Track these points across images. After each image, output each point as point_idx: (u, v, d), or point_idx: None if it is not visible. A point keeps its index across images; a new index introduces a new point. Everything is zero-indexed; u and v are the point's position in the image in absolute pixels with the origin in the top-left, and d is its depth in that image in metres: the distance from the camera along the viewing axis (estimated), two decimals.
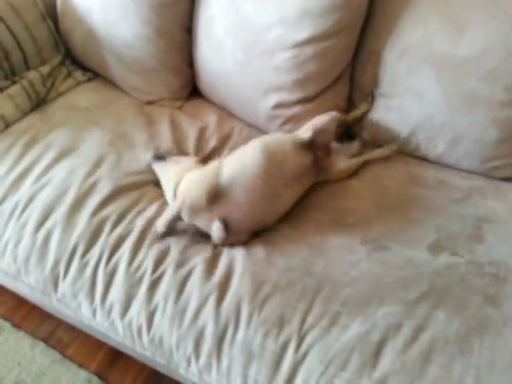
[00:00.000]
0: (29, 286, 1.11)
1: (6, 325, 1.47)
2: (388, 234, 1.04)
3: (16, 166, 1.23)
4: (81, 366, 1.35)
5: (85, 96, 1.54)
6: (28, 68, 1.52)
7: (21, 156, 1.26)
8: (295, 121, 1.34)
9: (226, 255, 1.00)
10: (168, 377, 1.13)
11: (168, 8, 1.42)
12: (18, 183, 1.19)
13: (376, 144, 1.35)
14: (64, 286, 1.05)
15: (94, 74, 1.66)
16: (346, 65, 1.30)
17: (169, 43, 1.47)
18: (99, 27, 1.49)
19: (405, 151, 1.34)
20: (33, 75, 1.49)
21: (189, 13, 1.46)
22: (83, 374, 1.31)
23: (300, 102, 1.32)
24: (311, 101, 1.32)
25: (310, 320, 0.88)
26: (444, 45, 1.15)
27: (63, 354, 1.38)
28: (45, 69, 1.53)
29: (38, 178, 1.19)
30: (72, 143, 1.30)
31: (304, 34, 1.21)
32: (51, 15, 1.59)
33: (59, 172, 1.20)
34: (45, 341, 1.44)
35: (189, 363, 0.93)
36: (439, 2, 1.15)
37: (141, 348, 0.99)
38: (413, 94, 1.24)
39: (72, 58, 1.67)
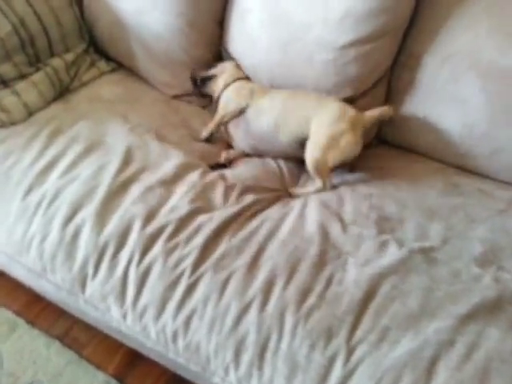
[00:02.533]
0: (54, 285, 1.05)
1: (20, 321, 1.41)
2: (433, 245, 1.01)
3: (41, 157, 1.18)
4: (98, 367, 1.30)
5: (109, 87, 1.49)
6: (52, 54, 1.47)
7: (45, 147, 1.21)
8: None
9: (266, 259, 0.96)
10: (192, 383, 1.09)
11: (200, 3, 1.37)
12: (44, 176, 1.13)
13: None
14: (93, 286, 1.00)
15: (118, 64, 1.61)
16: (386, 69, 1.26)
17: (200, 36, 1.43)
18: (128, 16, 1.44)
19: (443, 160, 1.30)
20: (57, 62, 1.43)
21: (222, 6, 1.42)
22: (101, 377, 1.26)
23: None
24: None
25: (358, 334, 0.84)
26: (492, 53, 1.12)
27: (80, 354, 1.32)
28: (69, 56, 1.48)
29: (65, 172, 1.13)
30: (98, 137, 1.24)
31: (347, 36, 1.17)
32: (76, 1, 1.53)
33: (87, 167, 1.14)
34: (60, 339, 1.39)
35: (227, 372, 0.89)
36: (491, 9, 1.11)
37: (174, 354, 0.95)
38: (454, 101, 1.21)
39: (96, 47, 1.62)
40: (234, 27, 1.39)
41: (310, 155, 1.14)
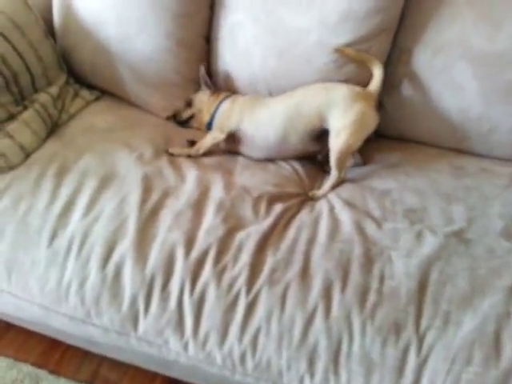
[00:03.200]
0: (101, 328, 1.01)
1: (43, 373, 1.34)
2: (461, 227, 1.07)
3: (55, 198, 1.13)
4: None
5: (100, 116, 1.45)
6: (36, 90, 1.40)
7: (57, 187, 1.15)
8: None
9: (316, 267, 0.98)
10: None
11: (190, 18, 1.37)
12: (65, 217, 1.09)
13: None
14: (146, 322, 0.97)
15: (100, 91, 1.56)
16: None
17: (190, 54, 1.42)
18: (112, 42, 1.40)
19: (440, 145, 1.38)
20: (44, 98, 1.38)
21: (208, 21, 1.42)
22: None
23: None
24: None
25: (424, 322, 0.88)
26: (481, 41, 1.20)
27: None
28: (53, 90, 1.42)
29: (87, 210, 1.09)
30: (109, 169, 1.21)
31: (345, 37, 1.22)
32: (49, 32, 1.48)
33: (108, 201, 1.11)
34: (90, 383, 1.33)
35: (302, 382, 0.90)
36: (474, 0, 1.19)
37: (242, 375, 0.95)
38: (449, 89, 1.28)
39: (74, 77, 1.56)
40: (223, 43, 1.40)
41: (338, 143, 1.17)
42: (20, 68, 1.33)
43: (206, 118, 1.38)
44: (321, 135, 1.23)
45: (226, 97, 1.37)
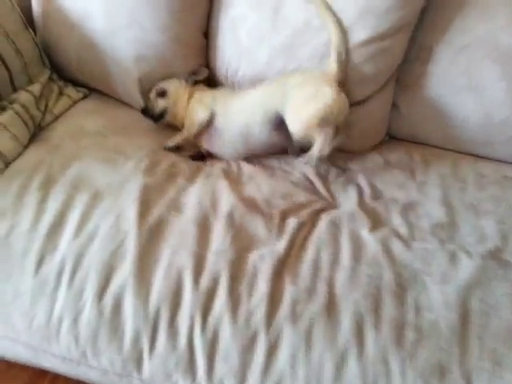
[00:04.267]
0: (100, 371, 0.88)
1: None
2: (496, 245, 0.98)
3: (41, 215, 0.99)
4: None
5: (89, 118, 1.30)
6: (15, 89, 1.25)
7: (43, 202, 1.01)
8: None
9: (343, 297, 0.87)
10: None
11: (189, 11, 1.22)
12: (54, 238, 0.95)
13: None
14: (152, 364, 0.85)
15: (87, 88, 1.41)
16: (398, 64, 1.21)
17: (187, 50, 1.28)
18: (101, 34, 1.25)
19: (457, 150, 1.29)
20: (24, 97, 1.22)
21: (207, 14, 1.28)
22: None
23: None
24: (358, 105, 1.21)
25: (471, 363, 0.78)
26: (510, 39, 1.10)
27: None
28: (35, 88, 1.27)
29: (79, 229, 0.96)
30: (102, 179, 1.07)
31: (363, 34, 1.10)
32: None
33: (103, 218, 0.98)
34: None
35: None
36: None
37: None
38: (471, 91, 1.18)
39: (58, 73, 1.41)
40: (223, 38, 1.26)
41: (293, 119, 1.08)
42: None
43: (182, 107, 1.25)
44: (282, 124, 1.11)
45: (201, 86, 1.29)
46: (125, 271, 0.90)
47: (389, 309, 0.85)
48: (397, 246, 0.97)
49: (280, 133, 1.14)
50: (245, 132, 1.17)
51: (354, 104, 1.18)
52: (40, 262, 0.92)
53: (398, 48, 1.15)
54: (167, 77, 1.28)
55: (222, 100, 1.22)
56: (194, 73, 1.27)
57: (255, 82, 1.22)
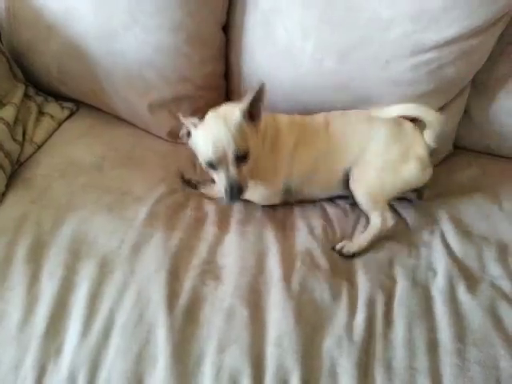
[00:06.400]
0: None
1: None
2: None
3: (35, 301, 0.75)
4: None
5: (81, 145, 1.03)
6: None
7: (34, 279, 0.76)
8: None
9: None
10: None
11: (205, 4, 0.94)
12: (55, 339, 0.71)
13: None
14: None
15: (74, 101, 1.13)
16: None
17: (204, 52, 1.00)
18: (90, 38, 0.97)
19: None
20: None
21: (227, 5, 1.00)
22: None
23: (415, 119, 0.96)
24: None
25: None
26: None
27: None
28: (7, 112, 0.98)
29: (88, 321, 0.72)
30: (109, 239, 0.82)
31: (449, 31, 0.83)
32: None
33: (118, 301, 0.73)
34: None
35: None
36: None
37: None
38: None
39: (35, 85, 1.12)
40: (252, 36, 0.98)
41: (361, 189, 0.89)
42: None
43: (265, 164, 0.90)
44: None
45: None
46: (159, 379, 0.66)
47: None
48: (506, 313, 0.74)
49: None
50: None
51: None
52: (40, 378, 0.67)
53: (486, 47, 0.91)
54: (178, 88, 1.00)
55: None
56: (255, 99, 0.81)
57: (293, 94, 0.96)
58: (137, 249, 0.81)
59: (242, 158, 0.79)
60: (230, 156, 0.78)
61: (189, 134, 0.84)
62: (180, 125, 0.85)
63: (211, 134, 0.79)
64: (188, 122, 0.82)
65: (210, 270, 0.79)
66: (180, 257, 0.81)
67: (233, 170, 0.79)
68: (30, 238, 0.82)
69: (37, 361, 0.68)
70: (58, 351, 0.69)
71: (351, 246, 0.85)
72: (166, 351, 0.69)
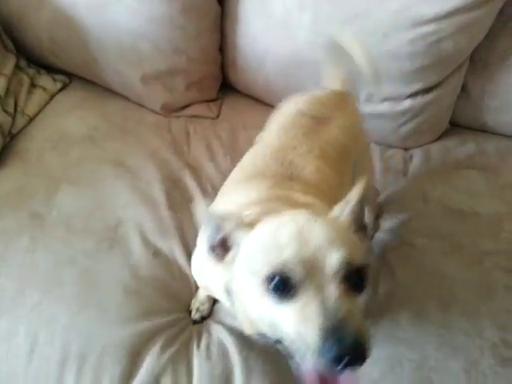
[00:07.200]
0: None
1: None
2: None
3: (30, 274, 0.74)
4: None
5: (73, 117, 1.02)
6: None
7: (29, 251, 0.76)
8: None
9: None
10: None
11: None
12: (49, 309, 0.70)
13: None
14: None
15: (67, 74, 1.11)
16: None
17: (199, 23, 0.98)
18: (83, 9, 0.95)
19: None
20: None
21: None
22: None
23: (414, 94, 0.95)
24: (428, 92, 0.96)
25: None
26: None
27: None
28: None
29: (83, 294, 0.71)
30: (105, 213, 0.82)
31: (448, 3, 0.84)
32: None
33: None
34: None
35: None
36: None
37: None
38: None
39: (27, 57, 1.09)
40: (248, 7, 0.97)
41: None
42: None
43: None
44: None
45: None
46: None
47: None
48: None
49: None
50: None
51: (420, 92, 0.95)
52: (32, 347, 0.68)
53: (485, 21, 0.89)
54: (173, 60, 0.98)
55: None
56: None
57: (291, 67, 0.95)
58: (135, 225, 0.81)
59: (357, 279, 0.43)
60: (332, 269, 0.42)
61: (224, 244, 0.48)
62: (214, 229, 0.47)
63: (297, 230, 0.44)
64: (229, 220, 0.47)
65: None
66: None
67: (335, 293, 0.41)
68: (25, 211, 0.81)
69: (30, 331, 0.69)
70: (52, 322, 0.70)
71: None
72: None
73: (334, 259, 0.41)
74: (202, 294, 0.73)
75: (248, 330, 0.51)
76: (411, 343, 0.66)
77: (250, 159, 0.66)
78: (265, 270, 0.41)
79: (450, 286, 0.75)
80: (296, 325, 0.40)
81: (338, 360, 0.37)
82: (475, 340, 0.67)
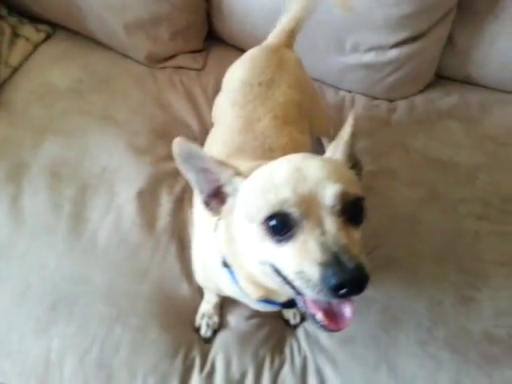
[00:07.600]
0: None
1: None
2: None
3: (18, 219, 0.77)
4: None
5: (58, 68, 1.02)
6: None
7: (16, 198, 0.79)
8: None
9: None
10: None
11: None
12: (39, 254, 0.73)
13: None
14: None
15: (50, 24, 1.09)
16: None
17: None
18: None
19: None
20: None
21: None
22: None
23: (400, 43, 0.94)
24: (414, 41, 0.95)
25: None
26: None
27: None
28: None
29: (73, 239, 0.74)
30: (90, 162, 0.84)
31: None
32: None
33: (100, 222, 0.76)
34: None
35: None
36: None
37: None
38: None
39: (8, 5, 1.07)
40: None
41: None
42: None
43: None
44: None
45: None
46: None
47: None
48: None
49: None
50: None
51: (406, 41, 0.94)
52: (24, 291, 0.71)
53: None
54: (157, 8, 0.97)
55: None
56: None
57: (275, 16, 0.93)
58: (116, 170, 0.83)
59: (354, 211, 0.44)
60: (330, 203, 0.43)
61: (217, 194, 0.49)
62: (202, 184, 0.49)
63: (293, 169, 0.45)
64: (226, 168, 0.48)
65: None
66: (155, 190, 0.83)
67: (334, 227, 0.42)
68: (11, 160, 0.83)
69: (21, 276, 0.73)
70: (42, 268, 0.73)
71: None
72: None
73: (330, 192, 0.42)
74: (207, 304, 0.72)
75: (254, 294, 0.52)
76: (378, 286, 0.70)
77: (222, 138, 0.66)
78: (263, 211, 0.42)
79: (423, 232, 0.78)
80: (297, 262, 0.41)
81: (339, 288, 0.38)
82: (440, 283, 0.71)
